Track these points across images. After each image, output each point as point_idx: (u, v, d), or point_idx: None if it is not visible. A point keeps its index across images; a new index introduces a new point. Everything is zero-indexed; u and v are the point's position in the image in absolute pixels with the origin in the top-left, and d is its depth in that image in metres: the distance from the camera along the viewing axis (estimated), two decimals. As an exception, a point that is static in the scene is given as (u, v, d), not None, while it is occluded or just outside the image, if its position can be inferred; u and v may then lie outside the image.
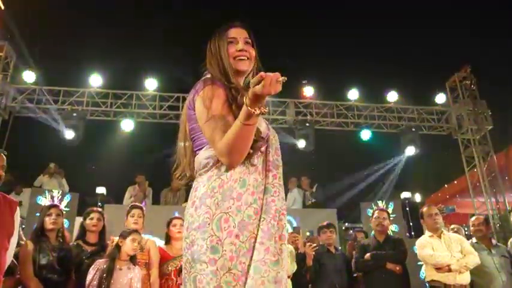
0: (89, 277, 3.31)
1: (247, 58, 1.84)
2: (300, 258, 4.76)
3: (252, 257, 1.56)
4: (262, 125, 1.70)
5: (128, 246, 3.47)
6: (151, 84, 10.11)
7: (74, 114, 9.46)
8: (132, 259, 3.54)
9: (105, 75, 10.05)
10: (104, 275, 3.29)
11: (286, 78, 1.43)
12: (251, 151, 1.61)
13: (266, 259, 1.55)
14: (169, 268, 3.95)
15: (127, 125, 9.85)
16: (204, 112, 1.67)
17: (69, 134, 9.21)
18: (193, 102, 1.79)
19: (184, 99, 10.16)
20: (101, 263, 3.39)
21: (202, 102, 1.70)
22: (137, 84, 10.27)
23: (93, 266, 3.38)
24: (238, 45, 1.82)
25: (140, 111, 10.10)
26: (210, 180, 1.62)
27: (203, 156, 1.68)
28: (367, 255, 4.39)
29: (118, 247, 3.48)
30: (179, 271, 3.79)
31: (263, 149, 1.70)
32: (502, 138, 11.30)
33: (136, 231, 3.64)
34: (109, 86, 10.12)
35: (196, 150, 1.75)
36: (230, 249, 1.54)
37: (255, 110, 1.46)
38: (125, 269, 3.43)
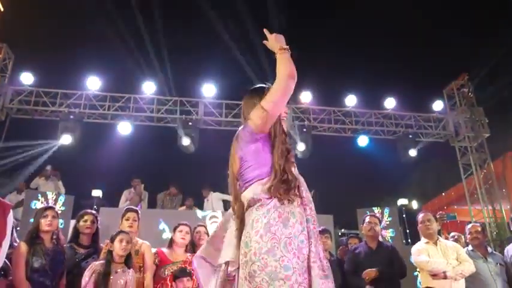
0: (84, 279, 3.28)
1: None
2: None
3: (310, 273, 1.93)
4: (293, 169, 2.11)
5: (117, 247, 3.44)
6: (149, 87, 10.11)
7: (71, 117, 9.44)
8: (127, 262, 3.52)
9: (102, 78, 10.06)
10: (101, 277, 3.26)
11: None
12: (292, 189, 2.03)
13: (320, 274, 1.94)
14: (166, 272, 3.91)
15: (124, 128, 9.83)
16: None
17: (65, 139, 9.18)
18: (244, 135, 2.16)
19: (182, 103, 10.26)
20: (96, 266, 3.36)
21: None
22: (135, 88, 10.29)
23: (88, 269, 3.35)
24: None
25: (137, 114, 10.10)
26: (270, 212, 1.98)
27: (256, 191, 2.04)
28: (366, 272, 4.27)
29: (110, 252, 3.46)
30: (174, 276, 3.75)
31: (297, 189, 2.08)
32: (498, 146, 11.34)
33: (123, 231, 3.60)
34: (107, 89, 10.12)
35: (246, 183, 2.11)
36: (297, 267, 1.90)
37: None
38: (120, 272, 3.40)
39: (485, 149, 10.65)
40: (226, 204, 8.71)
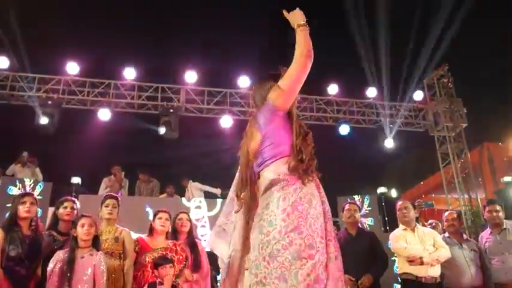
0: (49, 268, 3.22)
1: None
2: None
3: (327, 251, 1.98)
4: (311, 150, 2.15)
5: (80, 232, 3.38)
6: (129, 73, 9.95)
7: (49, 102, 9.23)
8: (95, 244, 3.46)
9: (82, 63, 9.84)
10: (65, 265, 3.19)
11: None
12: (311, 169, 2.08)
13: (335, 252, 2.01)
14: (147, 259, 3.89)
15: (104, 115, 9.67)
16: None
17: (43, 120, 8.98)
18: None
19: (163, 89, 10.14)
20: (60, 254, 3.30)
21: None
22: (115, 73, 10.10)
23: (52, 258, 3.28)
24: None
25: (118, 100, 9.94)
26: (296, 191, 2.01)
27: (279, 170, 2.07)
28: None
29: (74, 238, 3.41)
30: (155, 264, 3.73)
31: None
32: (475, 136, 11.58)
33: (85, 215, 3.53)
34: (86, 74, 9.91)
35: (267, 161, 2.13)
36: (320, 246, 1.94)
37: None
38: (87, 257, 3.33)
39: (463, 139, 10.87)
40: (205, 195, 8.71)
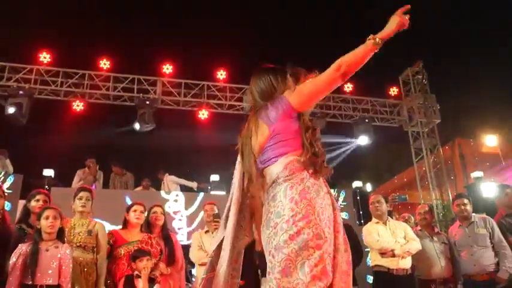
0: (11, 262, 3.12)
1: None
2: (249, 244, 4.79)
3: (335, 242, 1.92)
4: (320, 145, 2.06)
5: (43, 224, 3.30)
6: (104, 64, 9.75)
7: (21, 92, 8.96)
8: (60, 237, 3.38)
9: (55, 52, 9.58)
10: (28, 258, 3.12)
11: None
12: (320, 163, 2.00)
13: (344, 244, 1.94)
14: (122, 252, 3.85)
15: (78, 106, 9.46)
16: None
17: (11, 109, 8.70)
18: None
19: (139, 81, 9.98)
20: (23, 247, 3.21)
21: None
22: (90, 64, 9.88)
23: (15, 251, 3.19)
24: None
25: (92, 91, 9.74)
26: (304, 181, 1.92)
27: (288, 164, 1.97)
28: None
29: (38, 230, 3.33)
30: (132, 256, 3.70)
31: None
32: (448, 132, 11.86)
33: (48, 207, 3.46)
34: (59, 64, 9.66)
35: (276, 157, 2.01)
36: (328, 237, 1.86)
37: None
38: (52, 249, 3.25)
39: (436, 135, 11.12)
40: (181, 189, 8.67)
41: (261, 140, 2.06)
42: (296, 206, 1.85)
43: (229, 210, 2.15)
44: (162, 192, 7.93)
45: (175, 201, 7.63)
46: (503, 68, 12.84)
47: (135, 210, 4.07)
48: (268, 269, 1.87)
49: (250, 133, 2.12)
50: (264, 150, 2.05)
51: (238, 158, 2.21)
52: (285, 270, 1.79)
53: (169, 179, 8.58)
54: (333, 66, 1.93)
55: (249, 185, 2.15)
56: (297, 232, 1.81)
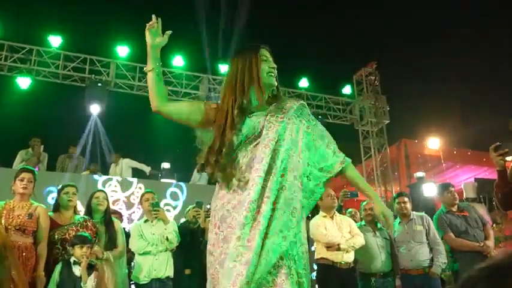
0: None
1: (275, 75, 2.10)
2: (201, 232, 4.79)
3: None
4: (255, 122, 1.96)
5: None
6: (55, 41, 9.29)
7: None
8: None
9: (1, 24, 9.00)
10: None
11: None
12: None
13: (238, 246, 1.69)
14: (56, 236, 3.70)
15: (23, 82, 8.95)
16: None
17: None
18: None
19: (92, 61, 9.58)
20: None
21: None
22: (39, 40, 9.38)
23: None
24: (270, 63, 2.08)
25: (40, 68, 9.26)
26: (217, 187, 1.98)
27: None
28: None
29: None
30: (72, 243, 3.57)
31: (254, 143, 1.91)
32: (395, 133, 12.37)
33: None
34: (5, 37, 9.09)
35: None
36: (213, 237, 1.85)
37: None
38: None
39: (384, 135, 11.59)
40: (134, 173, 8.48)
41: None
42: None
43: None
44: (100, 183, 7.72)
45: (113, 191, 7.54)
46: (452, 77, 13.53)
47: (66, 192, 3.92)
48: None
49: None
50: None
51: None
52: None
53: (125, 162, 8.36)
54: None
55: None
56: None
